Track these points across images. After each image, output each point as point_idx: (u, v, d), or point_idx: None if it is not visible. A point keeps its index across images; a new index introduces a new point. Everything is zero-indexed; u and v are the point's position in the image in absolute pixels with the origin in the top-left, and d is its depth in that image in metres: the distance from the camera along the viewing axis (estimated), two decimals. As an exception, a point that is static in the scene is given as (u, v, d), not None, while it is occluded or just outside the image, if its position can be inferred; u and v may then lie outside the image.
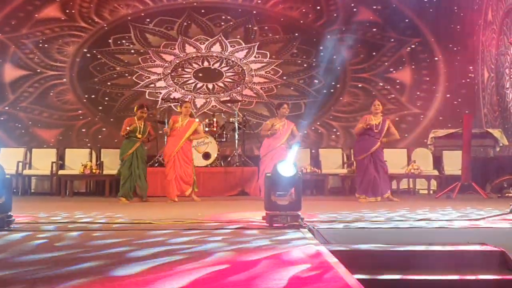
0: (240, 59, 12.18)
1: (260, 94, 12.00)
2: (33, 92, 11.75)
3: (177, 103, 11.06)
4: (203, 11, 12.29)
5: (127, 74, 11.96)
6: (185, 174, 8.29)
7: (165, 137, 9.86)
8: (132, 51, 12.07)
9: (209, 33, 12.21)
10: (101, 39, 12.03)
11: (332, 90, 12.08)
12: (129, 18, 12.13)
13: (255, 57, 12.19)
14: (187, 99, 11.20)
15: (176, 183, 8.25)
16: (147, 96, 11.88)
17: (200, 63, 12.14)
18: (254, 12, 12.32)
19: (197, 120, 8.90)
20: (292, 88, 12.13)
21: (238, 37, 12.22)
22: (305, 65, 12.23)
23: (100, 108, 11.82)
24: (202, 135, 9.09)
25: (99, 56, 11.95)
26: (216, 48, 12.21)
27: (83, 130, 11.70)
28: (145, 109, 8.54)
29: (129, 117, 8.69)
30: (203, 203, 7.98)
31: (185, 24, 12.19)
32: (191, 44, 12.19)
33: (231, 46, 12.22)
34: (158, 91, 11.86)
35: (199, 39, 12.20)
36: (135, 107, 8.64)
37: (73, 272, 2.44)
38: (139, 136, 8.35)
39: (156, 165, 10.11)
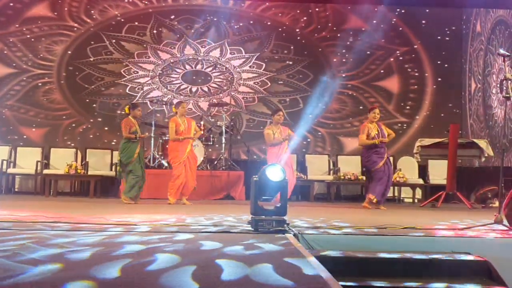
0: (235, 67, 12.15)
1: (240, 104, 11.99)
2: (19, 90, 11.65)
3: (163, 104, 11.08)
4: (172, 16, 12.23)
5: (114, 81, 11.92)
6: (192, 177, 8.25)
7: (156, 139, 9.93)
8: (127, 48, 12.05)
9: (181, 36, 12.15)
10: (80, 47, 11.94)
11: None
12: (99, 27, 12.02)
13: (250, 66, 12.17)
14: (165, 99, 11.29)
15: (182, 187, 8.19)
16: (127, 91, 11.81)
17: (193, 66, 12.11)
18: (225, 12, 12.32)
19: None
20: (282, 83, 12.17)
21: (215, 39, 12.22)
22: (289, 61, 12.27)
23: (86, 106, 11.78)
24: (200, 132, 9.02)
25: (83, 67, 11.89)
26: (215, 53, 12.19)
27: (69, 129, 11.62)
28: (139, 107, 8.49)
29: (125, 119, 8.43)
30: (191, 206, 7.92)
31: (155, 30, 12.14)
32: (192, 46, 12.16)
33: (230, 53, 12.19)
34: (139, 86, 11.77)
35: (201, 42, 12.19)
36: (127, 107, 8.50)
37: None
38: (141, 136, 8.28)
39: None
